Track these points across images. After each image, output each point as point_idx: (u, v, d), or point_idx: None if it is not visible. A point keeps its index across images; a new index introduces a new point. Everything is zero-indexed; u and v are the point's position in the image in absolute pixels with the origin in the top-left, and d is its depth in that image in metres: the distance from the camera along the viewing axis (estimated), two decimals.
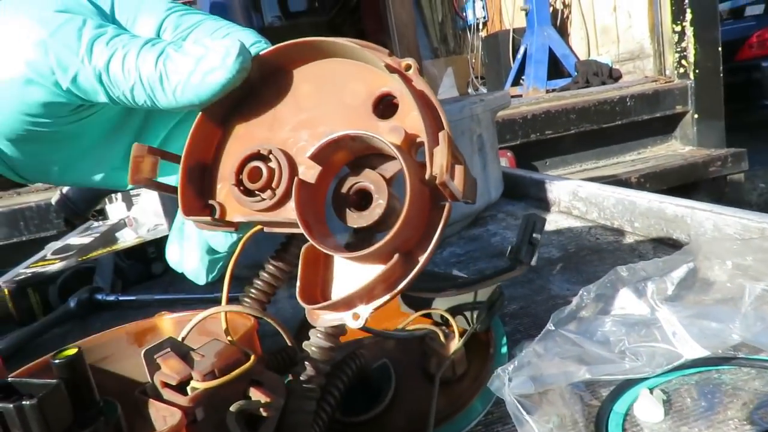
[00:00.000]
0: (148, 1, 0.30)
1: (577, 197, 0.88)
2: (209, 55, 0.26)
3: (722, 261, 0.45)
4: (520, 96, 3.45)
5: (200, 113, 0.29)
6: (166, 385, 0.25)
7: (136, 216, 1.13)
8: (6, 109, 0.28)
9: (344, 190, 0.27)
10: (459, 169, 0.24)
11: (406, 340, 0.45)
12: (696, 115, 2.75)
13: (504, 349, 0.42)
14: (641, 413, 0.36)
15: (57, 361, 0.24)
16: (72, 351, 0.24)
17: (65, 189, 0.97)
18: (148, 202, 1.12)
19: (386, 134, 0.26)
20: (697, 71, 2.75)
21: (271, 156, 0.28)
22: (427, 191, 0.26)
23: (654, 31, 2.99)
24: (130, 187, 0.30)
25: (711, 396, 0.37)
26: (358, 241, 0.29)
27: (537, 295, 0.59)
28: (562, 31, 4.05)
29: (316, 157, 0.27)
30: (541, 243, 0.70)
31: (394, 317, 0.48)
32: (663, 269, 0.45)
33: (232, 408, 0.26)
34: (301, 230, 0.26)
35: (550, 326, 0.40)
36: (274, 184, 0.28)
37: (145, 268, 0.90)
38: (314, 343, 0.30)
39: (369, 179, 0.27)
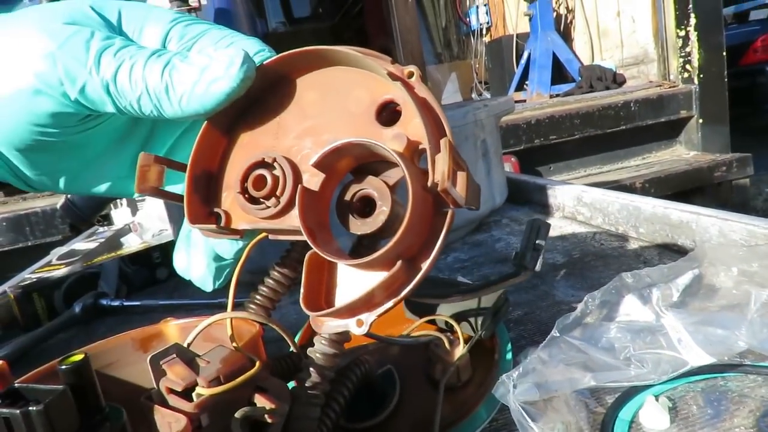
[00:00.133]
0: (154, 12, 0.31)
1: (581, 202, 0.88)
2: (213, 65, 0.27)
3: (728, 267, 0.45)
4: (524, 101, 3.45)
5: (206, 122, 0.29)
6: (171, 391, 0.26)
7: (141, 221, 1.13)
8: (15, 119, 0.29)
9: (348, 197, 0.28)
10: (461, 176, 0.24)
11: (411, 346, 0.45)
12: (700, 120, 2.74)
13: (509, 356, 0.42)
14: (647, 420, 0.36)
15: (63, 366, 0.24)
16: (78, 357, 0.24)
17: (70, 195, 0.97)
18: (153, 207, 1.13)
19: (389, 141, 0.26)
20: (701, 76, 2.75)
21: (275, 164, 0.28)
22: (430, 198, 0.26)
23: (658, 35, 2.99)
24: (136, 195, 0.30)
25: (717, 403, 0.37)
26: (362, 248, 0.30)
27: (541, 301, 0.58)
28: (566, 36, 4.05)
29: (319, 165, 0.27)
30: (546, 249, 0.70)
31: (399, 323, 0.48)
32: (668, 275, 0.45)
33: (237, 414, 0.26)
34: (305, 237, 0.26)
35: (554, 333, 0.40)
36: (278, 192, 0.28)
37: (150, 274, 0.91)
38: (318, 349, 0.30)
39: (372, 186, 0.27)
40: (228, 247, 0.33)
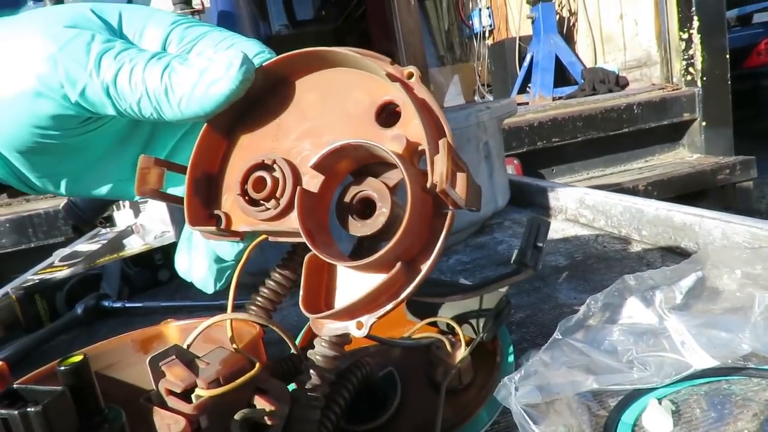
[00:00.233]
0: (155, 15, 0.31)
1: (584, 205, 0.88)
2: (212, 67, 0.27)
3: (731, 270, 0.45)
4: (527, 104, 3.45)
5: (205, 124, 0.29)
6: (170, 392, 0.25)
7: (143, 223, 1.14)
8: (16, 121, 0.29)
9: (348, 198, 0.27)
10: (461, 177, 0.24)
11: (412, 348, 0.45)
12: (704, 123, 2.74)
13: (511, 358, 0.42)
14: (650, 424, 0.35)
15: (62, 367, 0.24)
16: (77, 358, 0.24)
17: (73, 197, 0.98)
18: (155, 209, 1.13)
19: (388, 142, 0.26)
20: (704, 78, 2.74)
21: (275, 166, 0.28)
22: (430, 199, 0.26)
23: (661, 38, 2.98)
24: (137, 198, 0.30)
25: (720, 407, 0.37)
26: (362, 249, 0.29)
27: (544, 304, 0.58)
28: (569, 38, 4.05)
29: (318, 167, 0.27)
30: (546, 251, 0.70)
31: (400, 325, 0.48)
32: (671, 278, 0.45)
33: (237, 416, 0.26)
34: (304, 239, 0.26)
35: (557, 335, 0.40)
36: (278, 194, 0.28)
37: (152, 275, 0.91)
38: (318, 351, 0.30)
39: (372, 188, 0.27)
40: (228, 249, 0.33)
